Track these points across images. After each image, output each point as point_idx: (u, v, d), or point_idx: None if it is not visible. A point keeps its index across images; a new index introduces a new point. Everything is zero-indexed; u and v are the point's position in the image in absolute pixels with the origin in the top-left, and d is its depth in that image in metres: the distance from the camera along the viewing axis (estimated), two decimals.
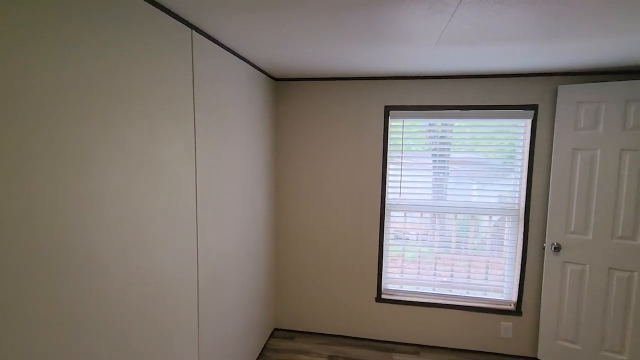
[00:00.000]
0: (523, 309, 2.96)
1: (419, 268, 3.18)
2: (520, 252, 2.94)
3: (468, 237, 3.09)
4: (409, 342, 3.17)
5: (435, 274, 3.16)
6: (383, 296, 3.18)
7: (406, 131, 3.04)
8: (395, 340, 3.19)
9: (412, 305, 3.12)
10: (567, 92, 2.63)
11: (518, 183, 2.94)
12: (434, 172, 3.08)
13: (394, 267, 3.22)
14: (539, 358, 2.90)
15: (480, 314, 3.03)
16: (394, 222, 3.16)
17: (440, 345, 3.12)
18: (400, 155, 3.05)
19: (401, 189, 3.09)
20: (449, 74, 2.81)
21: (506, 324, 2.99)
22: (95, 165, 1.21)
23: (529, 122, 2.82)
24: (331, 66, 2.60)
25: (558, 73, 2.68)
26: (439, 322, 3.10)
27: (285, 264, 3.31)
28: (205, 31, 1.86)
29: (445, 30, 1.78)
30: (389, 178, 3.09)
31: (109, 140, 1.26)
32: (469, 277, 3.12)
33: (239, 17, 1.65)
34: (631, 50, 2.04)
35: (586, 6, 1.45)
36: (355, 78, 2.99)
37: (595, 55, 2.17)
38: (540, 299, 2.89)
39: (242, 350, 2.57)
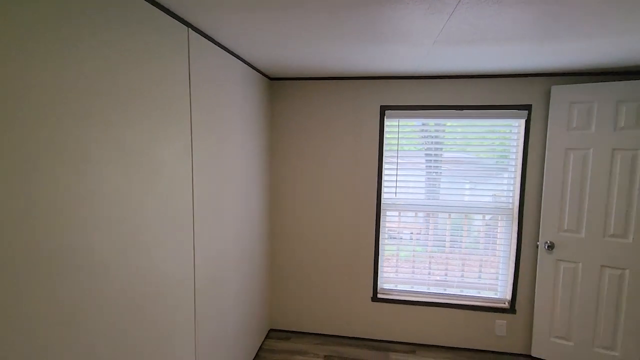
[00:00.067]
0: (517, 307, 2.99)
1: (413, 267, 3.20)
2: (514, 250, 2.97)
3: (462, 236, 3.12)
4: (405, 341, 3.18)
5: (429, 273, 3.18)
6: (379, 296, 3.19)
7: (401, 131, 3.05)
8: (392, 340, 3.20)
9: (408, 304, 3.14)
10: (560, 93, 2.67)
11: (512, 182, 2.97)
12: (428, 172, 3.10)
13: (388, 267, 3.23)
14: (532, 355, 2.94)
15: (475, 312, 3.06)
16: (389, 221, 3.18)
17: (436, 344, 3.14)
18: (396, 154, 3.07)
19: (397, 189, 3.10)
20: (445, 74, 2.83)
21: (500, 322, 3.02)
22: (94, 165, 1.19)
23: (522, 122, 2.85)
24: (328, 66, 2.60)
25: (551, 74, 2.72)
26: (434, 321, 3.12)
27: (281, 264, 3.31)
28: (202, 30, 1.85)
29: (443, 30, 1.79)
30: (384, 177, 3.10)
31: (108, 140, 1.25)
32: (463, 276, 3.14)
33: (236, 16, 1.64)
34: (631, 50, 2.07)
35: (585, 6, 1.47)
36: (351, 78, 2.99)
37: (593, 55, 2.20)
38: (534, 296, 2.92)
39: (238, 351, 2.55)
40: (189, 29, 1.76)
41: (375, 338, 3.23)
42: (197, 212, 1.89)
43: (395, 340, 3.20)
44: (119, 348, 1.34)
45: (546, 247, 2.79)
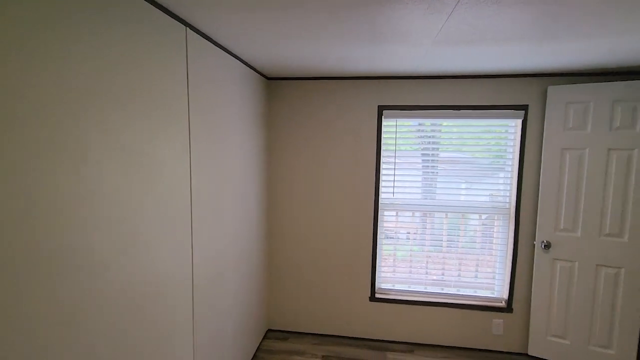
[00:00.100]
0: (514, 305, 3.01)
1: (410, 267, 3.21)
2: (511, 249, 2.99)
3: (459, 235, 3.13)
4: (403, 341, 3.19)
5: (427, 273, 3.19)
6: (377, 295, 3.19)
7: (398, 131, 3.06)
8: (390, 339, 3.21)
9: (406, 304, 3.15)
10: (557, 93, 2.69)
11: (509, 182, 2.99)
12: (425, 172, 3.11)
13: (386, 267, 3.24)
14: (529, 354, 2.95)
15: (472, 311, 3.08)
16: (387, 221, 3.18)
17: (434, 343, 3.15)
18: (394, 154, 3.08)
19: (394, 188, 3.11)
20: (443, 74, 2.84)
21: (497, 321, 3.04)
22: (93, 166, 1.19)
23: (519, 122, 2.87)
24: (327, 66, 2.60)
25: (548, 74, 2.74)
26: (432, 320, 3.13)
27: (278, 264, 3.30)
28: (200, 29, 1.85)
29: (442, 30, 1.80)
30: (382, 177, 3.11)
31: (107, 140, 1.24)
32: (460, 276, 3.15)
33: (235, 15, 1.64)
34: (628, 50, 2.09)
35: (583, 7, 1.48)
36: (348, 78, 3.00)
37: (590, 55, 2.21)
38: (531, 295, 2.94)
39: (236, 352, 2.55)
40: (187, 28, 1.75)
41: (373, 338, 3.24)
42: (195, 212, 1.88)
43: (393, 339, 3.21)
44: (119, 348, 1.33)
45: (543, 246, 2.81)
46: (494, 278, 3.10)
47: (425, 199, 3.11)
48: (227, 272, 2.33)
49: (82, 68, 1.13)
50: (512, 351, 3.05)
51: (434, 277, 3.19)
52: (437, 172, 3.09)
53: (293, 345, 3.14)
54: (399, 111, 2.99)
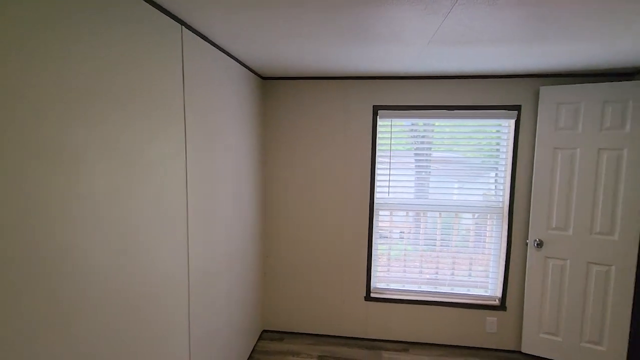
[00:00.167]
0: (507, 304, 3.04)
1: (404, 266, 3.22)
2: (505, 248, 3.02)
3: (453, 234, 3.15)
4: (398, 340, 3.20)
5: (421, 272, 3.20)
6: (372, 295, 3.20)
7: (394, 131, 3.07)
8: (385, 338, 3.22)
9: (401, 303, 3.16)
10: (548, 93, 2.72)
11: (502, 181, 3.02)
12: (420, 171, 3.12)
13: (380, 266, 3.25)
14: (522, 351, 2.99)
15: (466, 310, 3.10)
16: (382, 221, 3.19)
17: (429, 342, 3.17)
18: (389, 154, 3.09)
19: (389, 188, 3.12)
20: (437, 75, 2.86)
21: (491, 319, 3.07)
22: (90, 165, 1.17)
23: (512, 122, 2.90)
24: (323, 66, 2.60)
25: (540, 75, 2.77)
26: (427, 319, 3.15)
27: (273, 264, 3.29)
28: (196, 28, 1.83)
29: (438, 30, 1.81)
30: (377, 177, 3.12)
31: (104, 140, 1.22)
32: (454, 275, 3.18)
33: (231, 15, 1.63)
34: (618, 52, 2.13)
35: (575, 10, 1.50)
36: (344, 77, 3.00)
37: (581, 57, 2.25)
38: (524, 293, 2.97)
39: (231, 352, 2.53)
40: (183, 27, 1.73)
41: (368, 337, 3.24)
42: (191, 212, 1.87)
43: (388, 339, 3.22)
44: (115, 348, 1.32)
45: (535, 244, 2.85)
46: (487, 276, 3.13)
47: (419, 198, 3.13)
48: (222, 273, 2.31)
49: (82, 68, 1.12)
50: (506, 349, 3.09)
51: (428, 276, 3.20)
52: (430, 172, 3.10)
53: (288, 345, 3.13)
54: (394, 111, 3.00)
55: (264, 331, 3.35)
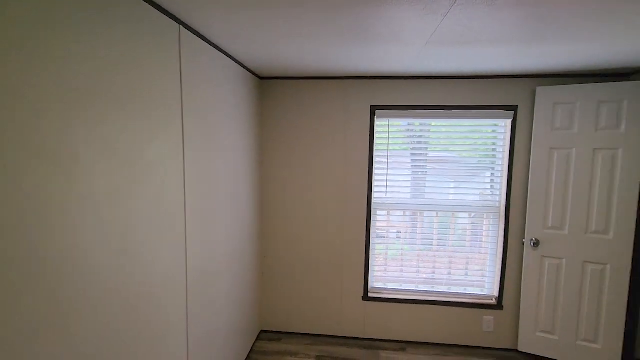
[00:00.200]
0: (504, 302, 3.06)
1: (402, 266, 3.23)
2: (502, 247, 3.04)
3: (450, 234, 3.17)
4: (395, 339, 3.21)
5: (418, 271, 3.22)
6: (370, 294, 3.21)
7: (391, 131, 3.08)
8: (382, 338, 3.23)
9: (399, 302, 3.17)
10: (545, 94, 2.74)
11: (499, 181, 3.04)
12: (416, 171, 3.13)
13: (378, 266, 3.26)
14: (519, 350, 3.01)
15: (464, 309, 3.12)
16: (379, 220, 3.20)
17: (426, 341, 3.18)
18: (387, 154, 3.09)
19: (387, 188, 3.13)
20: (435, 75, 2.87)
21: (488, 318, 3.09)
22: (89, 166, 1.16)
23: (509, 122, 2.92)
24: (321, 66, 2.60)
25: (537, 75, 2.79)
26: (424, 319, 3.16)
27: (271, 264, 3.28)
28: (193, 27, 1.82)
29: (437, 30, 1.81)
30: (375, 177, 3.12)
31: (100, 141, 1.21)
32: (451, 274, 3.19)
33: (229, 14, 1.62)
34: (616, 52, 2.15)
35: (572, 10, 1.52)
36: (342, 77, 3.00)
37: (578, 57, 2.27)
38: (520, 292, 2.99)
39: (229, 353, 2.52)
40: (180, 26, 1.73)
41: (366, 337, 3.25)
42: (189, 212, 1.86)
43: (386, 338, 3.22)
44: (114, 348, 1.31)
45: (532, 244, 2.87)
46: (484, 276, 3.15)
47: (416, 198, 3.14)
48: (219, 273, 2.31)
49: (82, 68, 1.11)
50: (503, 347, 3.11)
51: (425, 276, 3.22)
52: (426, 172, 3.12)
53: (286, 346, 3.13)
54: (392, 111, 3.01)
55: (262, 331, 3.34)
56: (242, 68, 2.59)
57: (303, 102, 3.07)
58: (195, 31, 1.86)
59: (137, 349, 1.45)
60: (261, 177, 3.19)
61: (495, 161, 3.03)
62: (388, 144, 3.08)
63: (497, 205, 3.05)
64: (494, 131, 3.01)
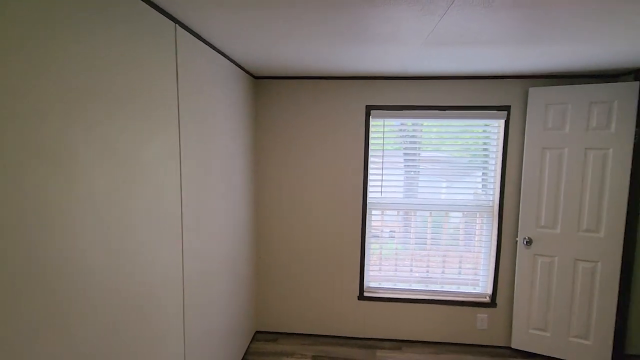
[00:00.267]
0: (498, 300, 3.10)
1: (396, 265, 3.25)
2: (495, 246, 3.08)
3: (444, 233, 3.20)
4: (391, 338, 3.23)
5: (411, 270, 3.24)
6: (365, 294, 3.22)
7: (386, 130, 3.10)
8: (378, 337, 3.25)
9: (395, 302, 3.19)
10: (537, 94, 2.79)
11: (492, 180, 3.08)
12: (410, 171, 3.16)
13: (372, 265, 3.27)
14: (512, 347, 3.05)
15: (458, 307, 3.15)
16: (374, 220, 3.22)
17: (421, 340, 3.21)
18: (382, 154, 3.11)
19: (382, 188, 3.15)
20: (429, 75, 2.90)
21: (482, 316, 3.12)
22: (90, 167, 1.16)
23: (502, 122, 2.96)
24: (317, 65, 2.61)
25: (529, 76, 2.83)
26: (419, 317, 3.19)
27: (266, 265, 3.28)
28: (189, 26, 1.82)
29: (434, 31, 1.84)
30: (370, 177, 3.14)
31: (103, 141, 1.21)
32: (444, 273, 3.22)
33: (226, 14, 1.62)
34: (607, 54, 2.19)
35: (567, 13, 1.55)
36: (337, 77, 3.01)
37: (572, 58, 2.30)
38: (513, 290, 3.04)
39: (225, 353, 2.52)
40: (177, 25, 1.72)
41: (362, 336, 3.26)
42: (185, 213, 1.86)
43: (381, 337, 3.24)
44: (115, 348, 1.31)
45: (525, 242, 2.91)
46: (478, 274, 3.19)
47: (410, 198, 3.17)
48: (215, 273, 2.31)
49: (82, 68, 1.11)
50: (496, 345, 3.14)
51: (419, 275, 3.24)
52: (419, 172, 3.14)
53: (282, 346, 3.13)
54: (387, 111, 3.03)
55: (257, 332, 3.34)
56: (236, 67, 2.59)
57: (298, 101, 3.08)
58: (191, 30, 1.85)
59: (137, 349, 1.45)
60: (257, 177, 3.19)
61: (487, 160, 3.07)
62: (383, 143, 3.10)
63: (491, 205, 3.09)
64: (484, 131, 3.05)
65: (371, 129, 3.08)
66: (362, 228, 3.15)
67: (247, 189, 2.91)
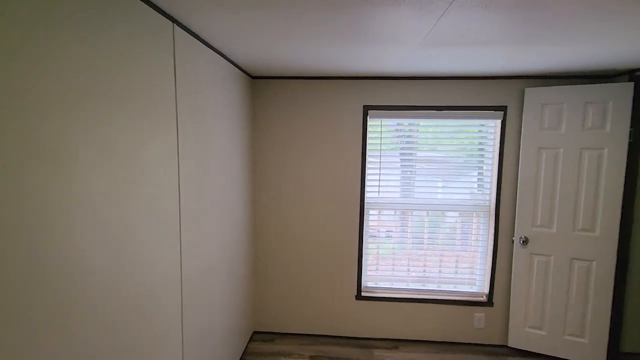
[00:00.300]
0: (494, 299, 3.12)
1: (393, 265, 3.26)
2: (492, 246, 3.10)
3: (441, 233, 3.21)
4: (388, 338, 3.24)
5: (408, 270, 3.25)
6: (363, 294, 3.23)
7: (383, 130, 3.11)
8: (376, 337, 3.26)
9: (392, 301, 3.20)
10: (533, 94, 2.81)
11: (488, 180, 3.10)
12: (409, 171, 3.17)
13: (370, 265, 3.28)
14: (509, 345, 3.07)
15: (455, 306, 3.17)
16: (372, 220, 3.23)
17: (418, 339, 3.22)
18: (379, 154, 3.12)
19: (380, 188, 3.16)
20: (427, 75, 2.91)
21: (479, 315, 3.14)
22: (90, 167, 1.16)
23: (499, 122, 2.98)
24: (315, 65, 2.62)
25: (526, 76, 2.86)
26: (416, 317, 3.20)
27: (264, 265, 3.28)
28: (187, 26, 1.82)
29: (432, 31, 1.85)
30: (367, 177, 3.15)
31: (103, 141, 1.21)
32: (442, 272, 3.24)
33: (223, 13, 1.63)
34: (603, 54, 2.21)
35: (564, 14, 1.56)
36: (335, 77, 3.02)
37: (568, 59, 2.32)
38: (510, 289, 3.06)
39: (222, 354, 2.52)
40: (174, 24, 1.72)
41: (359, 336, 3.27)
42: (183, 212, 1.86)
43: (379, 337, 3.25)
44: (114, 347, 1.31)
45: (521, 242, 2.93)
46: (474, 273, 3.21)
47: (407, 197, 3.18)
48: (213, 273, 2.31)
49: (82, 68, 1.11)
50: (493, 343, 3.16)
51: (415, 274, 3.25)
52: (415, 171, 3.16)
53: (280, 346, 3.14)
54: (384, 111, 3.04)
55: (255, 332, 3.34)
56: (234, 67, 2.59)
57: (296, 101, 3.08)
58: (190, 30, 1.85)
59: (137, 349, 1.45)
60: (254, 177, 3.19)
61: (483, 160, 3.08)
62: (380, 143, 3.11)
63: (487, 204, 3.11)
64: (480, 131, 3.06)
65: (369, 129, 3.09)
66: (359, 228, 3.16)
67: (244, 189, 2.92)
